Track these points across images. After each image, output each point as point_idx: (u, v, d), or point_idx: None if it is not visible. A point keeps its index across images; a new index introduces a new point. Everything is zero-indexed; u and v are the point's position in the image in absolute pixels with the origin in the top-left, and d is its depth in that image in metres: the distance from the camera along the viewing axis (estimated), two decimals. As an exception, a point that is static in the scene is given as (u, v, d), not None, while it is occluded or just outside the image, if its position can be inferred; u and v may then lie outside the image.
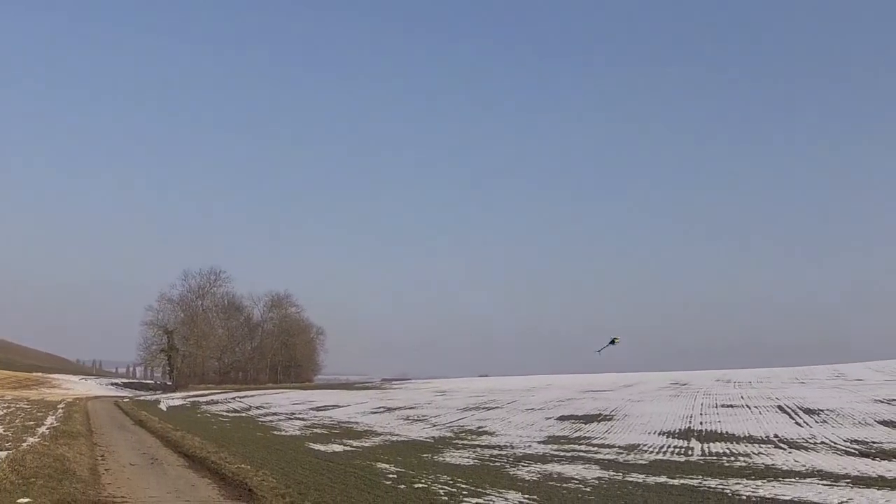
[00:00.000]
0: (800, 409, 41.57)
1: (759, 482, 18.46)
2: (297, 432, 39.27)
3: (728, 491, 17.07)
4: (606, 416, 44.20)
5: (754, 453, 25.87)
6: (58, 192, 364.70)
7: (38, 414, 41.47)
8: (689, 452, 26.91)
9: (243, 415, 57.27)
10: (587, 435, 35.45)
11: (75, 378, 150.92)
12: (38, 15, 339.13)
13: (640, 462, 24.27)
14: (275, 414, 56.32)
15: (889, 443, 26.91)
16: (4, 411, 41.38)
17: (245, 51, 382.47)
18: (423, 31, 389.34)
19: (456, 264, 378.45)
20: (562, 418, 44.13)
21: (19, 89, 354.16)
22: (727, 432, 33.30)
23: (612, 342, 70.48)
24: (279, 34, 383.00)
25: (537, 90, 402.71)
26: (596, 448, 29.36)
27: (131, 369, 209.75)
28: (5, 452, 19.49)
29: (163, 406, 68.72)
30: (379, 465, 23.02)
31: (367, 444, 31.72)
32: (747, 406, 45.34)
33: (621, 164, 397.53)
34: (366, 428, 41.68)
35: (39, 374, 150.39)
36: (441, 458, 25.71)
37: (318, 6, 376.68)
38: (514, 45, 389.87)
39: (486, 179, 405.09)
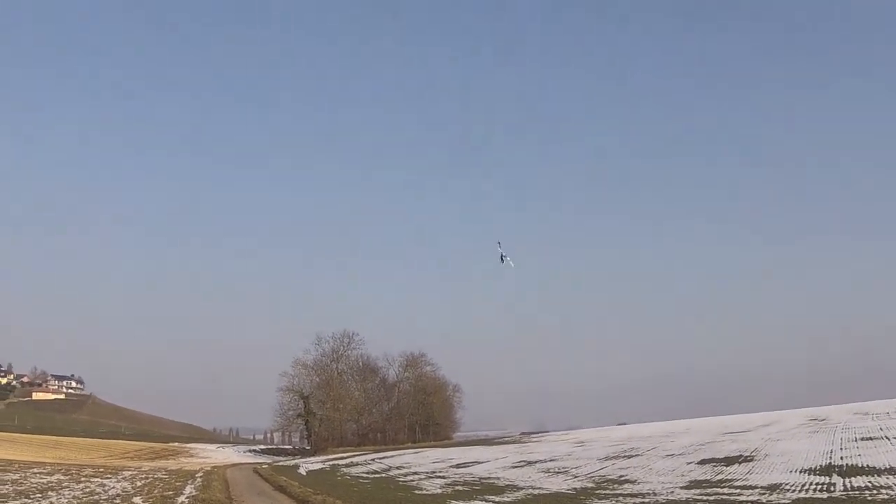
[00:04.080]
0: (940, 439, 40.12)
1: (901, 515, 18.63)
2: (439, 490, 39.78)
3: (870, 525, 17.37)
4: (747, 457, 43.70)
5: (897, 486, 25.66)
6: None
7: (177, 483, 42.04)
8: (832, 488, 26.89)
9: (383, 475, 57.60)
10: (729, 477, 35.44)
11: (212, 447, 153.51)
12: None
13: (783, 502, 24.55)
14: (415, 473, 56.76)
15: None
16: (143, 482, 42.14)
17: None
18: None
19: (586, 313, 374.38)
20: (702, 462, 43.92)
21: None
22: (868, 465, 32.79)
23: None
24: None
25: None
26: (738, 490, 29.55)
27: (269, 435, 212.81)
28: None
29: (302, 470, 68.90)
30: (523, 518, 23.48)
31: (508, 499, 32.31)
32: (887, 437, 44.04)
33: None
34: (507, 482, 42.21)
35: (176, 443, 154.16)
36: (584, 509, 26.20)
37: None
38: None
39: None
